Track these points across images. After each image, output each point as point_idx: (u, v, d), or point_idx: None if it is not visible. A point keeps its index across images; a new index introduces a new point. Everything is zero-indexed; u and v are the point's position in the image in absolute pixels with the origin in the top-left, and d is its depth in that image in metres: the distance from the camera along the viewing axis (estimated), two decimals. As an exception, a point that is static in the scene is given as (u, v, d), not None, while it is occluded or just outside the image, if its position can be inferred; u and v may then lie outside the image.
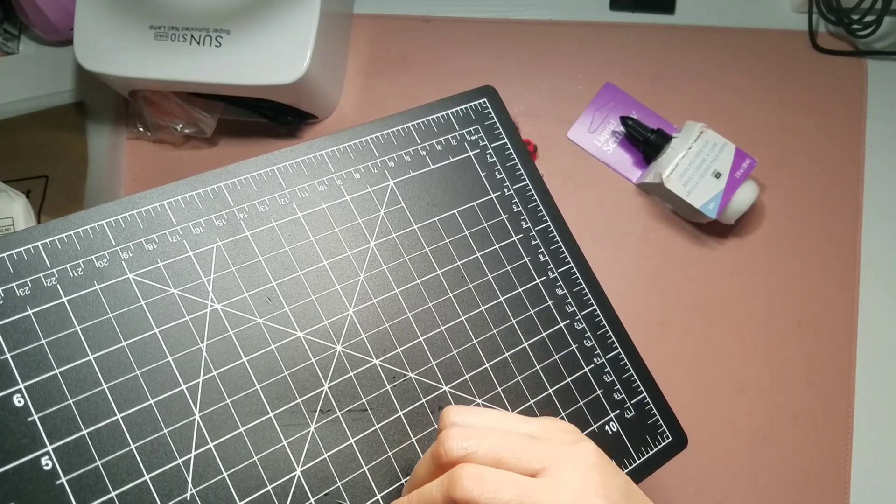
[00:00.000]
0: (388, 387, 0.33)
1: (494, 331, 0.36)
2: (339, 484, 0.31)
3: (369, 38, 0.63)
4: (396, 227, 0.36)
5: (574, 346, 0.37)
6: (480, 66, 0.61)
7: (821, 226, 0.57)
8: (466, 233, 0.37)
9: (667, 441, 0.37)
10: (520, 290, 0.37)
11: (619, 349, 0.38)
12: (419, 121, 0.39)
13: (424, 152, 0.38)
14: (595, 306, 0.38)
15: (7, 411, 0.27)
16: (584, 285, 0.39)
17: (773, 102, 0.59)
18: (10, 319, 0.28)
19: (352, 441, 0.32)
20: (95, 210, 0.31)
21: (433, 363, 0.34)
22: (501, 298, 0.37)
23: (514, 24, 0.62)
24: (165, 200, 0.32)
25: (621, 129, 0.58)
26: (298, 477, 0.30)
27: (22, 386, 0.28)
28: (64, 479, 0.27)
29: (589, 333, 0.38)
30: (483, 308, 0.36)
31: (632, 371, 0.38)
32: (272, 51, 0.52)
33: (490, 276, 0.37)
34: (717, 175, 0.53)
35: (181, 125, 0.60)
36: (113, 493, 0.27)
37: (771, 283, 0.57)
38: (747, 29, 0.60)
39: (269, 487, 0.29)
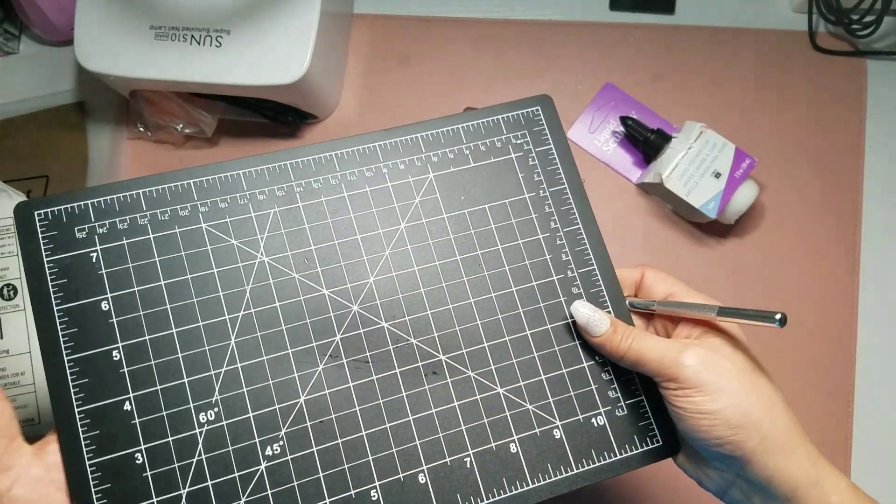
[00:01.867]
0: (391, 347, 0.38)
1: (500, 316, 0.39)
2: (333, 416, 0.36)
3: (369, 38, 0.63)
4: (427, 214, 0.40)
5: (578, 342, 0.39)
6: (480, 66, 0.61)
7: (820, 225, 0.57)
8: (493, 226, 0.40)
9: (656, 444, 0.38)
10: (534, 283, 0.39)
11: None
12: (469, 123, 0.42)
13: (468, 151, 0.41)
14: (610, 308, 0.40)
15: (96, 313, 0.36)
16: (602, 287, 0.40)
17: (773, 102, 0.59)
18: (109, 245, 0.37)
19: (350, 385, 0.37)
20: (185, 171, 0.38)
21: (435, 334, 0.38)
22: (513, 288, 0.39)
23: (514, 25, 0.62)
24: (241, 170, 0.39)
25: (621, 129, 0.58)
26: (301, 404, 0.36)
27: (109, 296, 0.36)
28: (126, 370, 0.36)
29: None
30: (493, 294, 0.39)
31: (634, 374, 0.38)
32: (272, 51, 0.52)
33: (507, 267, 0.40)
34: (717, 175, 0.53)
35: (181, 125, 0.60)
36: (158, 387, 0.36)
37: (770, 283, 0.57)
38: (747, 29, 0.60)
39: (276, 407, 0.36)
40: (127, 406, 0.35)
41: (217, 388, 0.36)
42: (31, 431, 0.51)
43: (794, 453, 0.32)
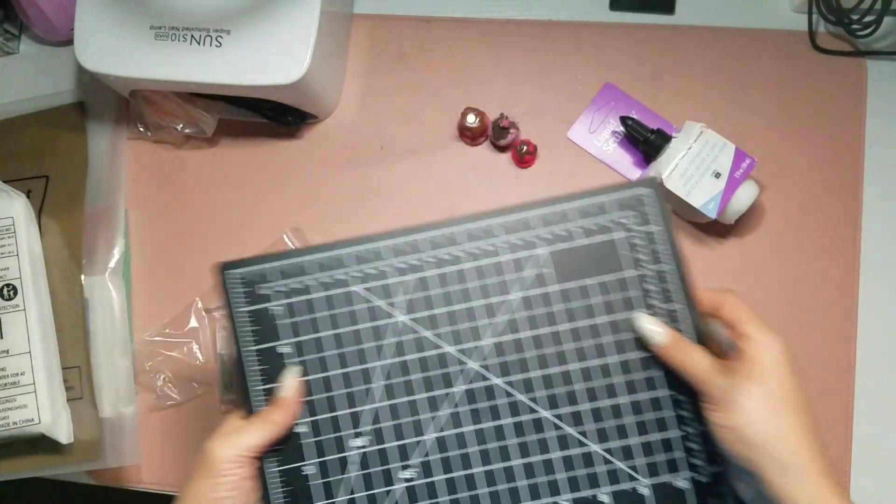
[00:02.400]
0: (499, 402, 0.44)
1: (599, 382, 0.44)
2: (449, 454, 0.44)
3: (369, 38, 0.63)
4: (537, 285, 0.45)
5: (674, 414, 0.43)
6: (480, 66, 0.61)
7: (821, 225, 0.57)
8: (595, 300, 0.45)
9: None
10: (628, 355, 0.44)
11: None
12: (581, 203, 0.46)
13: (578, 229, 0.46)
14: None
15: (274, 354, 0.45)
16: None
17: (772, 102, 0.59)
18: (284, 301, 0.45)
19: (463, 430, 0.45)
20: (343, 242, 0.46)
21: (537, 393, 0.44)
22: (612, 358, 0.44)
23: (513, 25, 0.62)
24: (386, 242, 0.46)
25: (621, 129, 0.58)
26: (425, 441, 0.45)
27: (283, 341, 0.45)
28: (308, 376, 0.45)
29: (688, 403, 0.43)
30: (593, 363, 0.44)
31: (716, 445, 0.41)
32: (273, 51, 0.52)
33: (607, 339, 0.44)
34: (717, 175, 0.53)
35: (181, 125, 0.60)
36: (318, 417, 0.44)
37: (770, 283, 0.57)
38: (747, 29, 0.60)
39: (405, 441, 0.44)
40: (299, 429, 0.44)
41: (364, 420, 0.44)
42: (31, 431, 0.52)
43: (805, 483, 0.35)
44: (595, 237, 0.46)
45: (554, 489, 0.43)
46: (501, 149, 0.60)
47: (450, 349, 0.45)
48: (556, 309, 0.44)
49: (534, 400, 0.44)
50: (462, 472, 0.44)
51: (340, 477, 0.44)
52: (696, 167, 0.53)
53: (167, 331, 0.60)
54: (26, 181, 0.59)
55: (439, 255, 0.46)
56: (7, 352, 0.52)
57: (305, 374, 0.45)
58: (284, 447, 0.44)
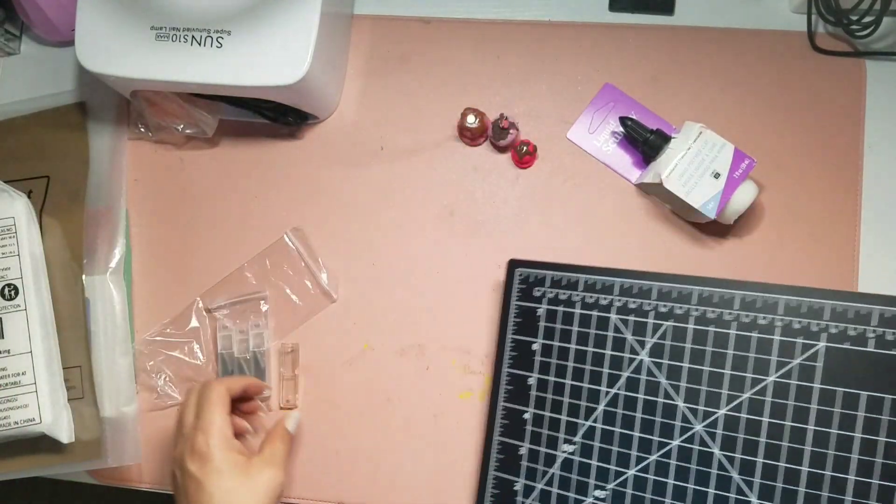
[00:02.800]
0: (714, 471, 0.44)
1: (825, 494, 0.41)
2: (647, 497, 0.47)
3: (370, 39, 0.63)
4: (800, 377, 0.42)
5: None
6: (480, 67, 0.61)
7: (819, 226, 0.58)
8: (861, 414, 0.41)
9: None
10: (871, 481, 0.40)
11: None
12: (885, 307, 0.42)
13: (872, 335, 0.42)
14: None
15: (528, 349, 0.51)
16: None
17: (771, 103, 0.59)
18: (549, 307, 0.51)
19: (667, 482, 0.46)
20: (616, 271, 0.49)
21: (756, 480, 0.43)
22: (848, 476, 0.41)
23: (513, 26, 0.62)
24: (655, 283, 0.48)
25: (620, 129, 0.59)
26: (629, 476, 0.47)
27: (538, 341, 0.51)
28: (532, 392, 0.50)
29: None
30: (828, 473, 0.41)
31: None
32: (273, 52, 0.52)
33: (855, 455, 0.41)
34: (716, 175, 0.53)
35: (182, 125, 0.60)
36: (546, 413, 0.50)
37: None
38: (746, 30, 0.60)
39: (611, 467, 0.47)
40: (526, 415, 0.50)
41: (579, 432, 0.48)
42: (32, 431, 0.52)
43: None
44: (890, 350, 0.41)
45: None
46: (501, 149, 0.60)
47: (681, 404, 0.46)
48: (813, 407, 0.41)
49: (748, 484, 0.43)
50: None
51: (544, 469, 0.49)
52: (695, 167, 0.53)
53: (168, 330, 0.60)
54: (27, 181, 0.59)
55: (707, 312, 0.46)
56: (8, 351, 0.52)
57: (546, 373, 0.50)
58: (510, 423, 0.50)
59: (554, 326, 0.50)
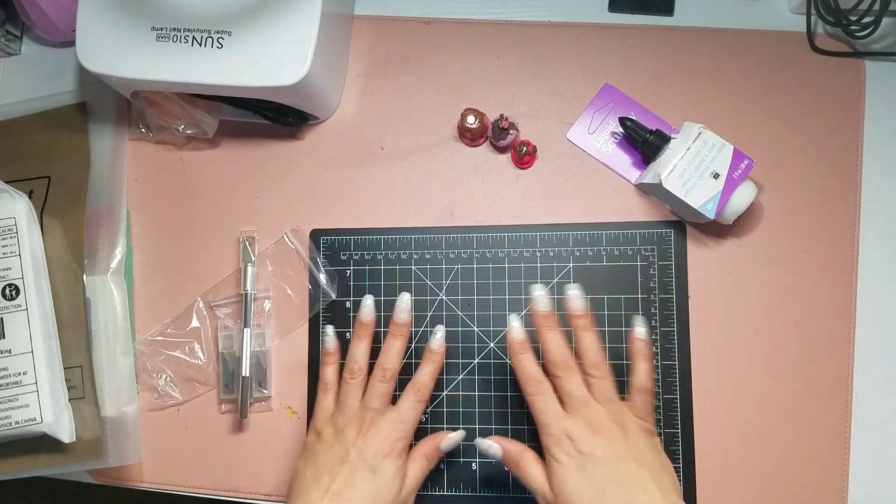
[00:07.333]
0: (509, 378, 0.57)
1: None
2: (461, 410, 0.58)
3: (370, 39, 0.63)
4: (560, 292, 0.56)
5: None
6: (480, 67, 0.62)
7: (818, 226, 0.58)
8: (606, 313, 0.57)
9: None
10: (625, 362, 0.53)
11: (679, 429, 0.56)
12: (612, 231, 0.57)
13: (604, 253, 0.57)
14: (677, 397, 0.56)
15: (343, 308, 0.59)
16: (676, 378, 0.56)
17: (771, 103, 0.59)
18: (356, 268, 0.59)
19: (475, 394, 0.57)
20: (410, 229, 0.59)
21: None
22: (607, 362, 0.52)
23: (513, 26, 0.62)
24: (444, 235, 0.59)
25: (620, 129, 0.59)
26: (443, 397, 0.57)
27: (351, 298, 0.59)
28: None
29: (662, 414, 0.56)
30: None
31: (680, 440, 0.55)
32: (274, 52, 0.52)
33: (608, 345, 0.57)
34: (716, 176, 0.53)
35: (183, 126, 0.60)
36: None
37: (768, 284, 0.57)
38: (746, 30, 0.60)
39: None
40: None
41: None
42: (33, 430, 0.52)
43: None
44: (619, 262, 0.57)
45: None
46: (501, 149, 0.60)
47: (475, 329, 0.58)
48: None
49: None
50: (464, 410, 0.57)
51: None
52: (694, 168, 0.53)
53: (168, 330, 0.60)
54: (28, 181, 0.60)
55: (486, 252, 0.58)
56: (9, 351, 0.52)
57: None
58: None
59: (364, 284, 0.58)
